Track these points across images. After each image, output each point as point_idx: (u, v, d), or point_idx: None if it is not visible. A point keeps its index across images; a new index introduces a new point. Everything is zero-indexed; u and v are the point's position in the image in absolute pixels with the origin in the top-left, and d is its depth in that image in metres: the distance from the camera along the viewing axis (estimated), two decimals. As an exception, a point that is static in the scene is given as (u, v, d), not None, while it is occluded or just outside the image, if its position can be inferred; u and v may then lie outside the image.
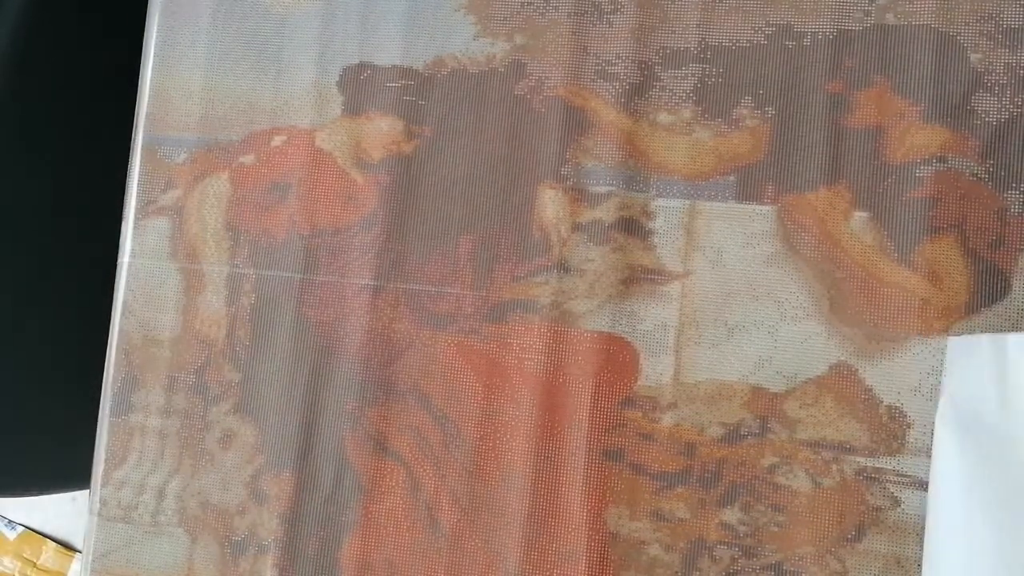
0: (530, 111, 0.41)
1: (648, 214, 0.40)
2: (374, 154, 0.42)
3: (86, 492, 0.46)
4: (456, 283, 0.41)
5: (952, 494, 0.34)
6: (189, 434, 0.43)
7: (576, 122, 0.41)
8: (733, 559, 0.38)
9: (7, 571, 1.24)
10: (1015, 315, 0.36)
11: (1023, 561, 0.32)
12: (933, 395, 0.37)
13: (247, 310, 0.43)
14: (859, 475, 0.37)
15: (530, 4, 0.41)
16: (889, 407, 0.37)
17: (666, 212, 0.40)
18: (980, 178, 0.37)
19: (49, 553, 1.25)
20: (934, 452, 0.35)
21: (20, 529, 1.26)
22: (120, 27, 0.61)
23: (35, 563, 1.24)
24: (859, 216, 0.38)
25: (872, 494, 0.37)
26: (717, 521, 0.38)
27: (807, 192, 0.38)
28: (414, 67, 0.42)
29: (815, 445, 0.38)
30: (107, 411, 0.44)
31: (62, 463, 0.67)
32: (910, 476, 0.37)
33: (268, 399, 0.43)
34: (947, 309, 0.37)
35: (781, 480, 0.38)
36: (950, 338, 0.35)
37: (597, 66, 0.41)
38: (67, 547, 1.25)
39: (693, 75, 0.40)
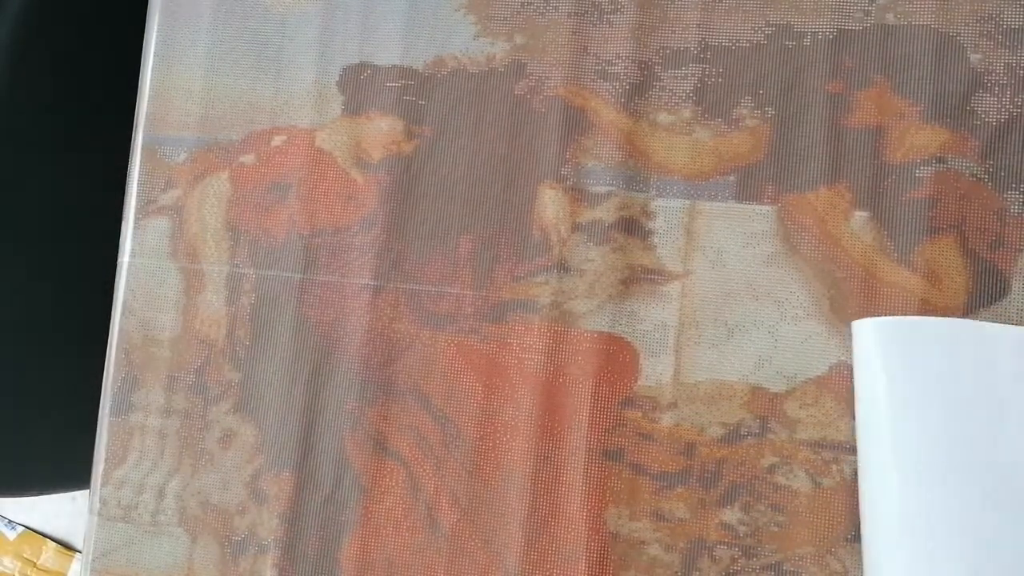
0: (530, 111, 0.41)
1: (648, 214, 0.40)
2: (374, 154, 0.42)
3: (86, 492, 0.46)
4: (456, 283, 0.41)
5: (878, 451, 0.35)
6: (189, 434, 0.43)
7: (576, 122, 0.41)
8: (733, 559, 0.38)
9: (7, 571, 1.24)
10: (1014, 315, 0.36)
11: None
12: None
13: (247, 310, 0.43)
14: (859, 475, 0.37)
15: (530, 4, 0.41)
16: (889, 407, 0.37)
17: (666, 212, 0.40)
18: (980, 178, 0.37)
19: (49, 553, 1.25)
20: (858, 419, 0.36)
21: (20, 529, 1.26)
22: (120, 26, 0.61)
23: (35, 563, 1.24)
24: (859, 216, 0.38)
25: (872, 494, 0.37)
26: (717, 521, 0.38)
27: (807, 192, 0.38)
28: (414, 67, 0.42)
29: (815, 445, 0.38)
30: (107, 411, 0.44)
31: (62, 463, 0.67)
32: (910, 476, 0.37)
33: (268, 399, 0.43)
34: (946, 309, 0.37)
35: (781, 480, 0.38)
36: (854, 322, 0.37)
37: (597, 66, 0.41)
38: (67, 547, 1.25)
39: (693, 75, 0.40)
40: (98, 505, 0.44)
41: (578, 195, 0.40)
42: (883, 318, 0.36)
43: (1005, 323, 0.36)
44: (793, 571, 0.38)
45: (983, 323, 0.35)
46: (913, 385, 0.35)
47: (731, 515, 0.38)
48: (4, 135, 0.58)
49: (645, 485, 0.39)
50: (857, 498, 0.37)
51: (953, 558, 0.34)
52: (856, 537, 0.37)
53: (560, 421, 0.40)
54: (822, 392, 0.38)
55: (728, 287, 0.39)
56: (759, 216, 0.39)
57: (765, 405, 0.38)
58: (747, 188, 0.39)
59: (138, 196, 0.45)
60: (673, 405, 0.39)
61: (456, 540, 0.41)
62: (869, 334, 0.36)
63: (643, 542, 0.39)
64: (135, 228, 0.45)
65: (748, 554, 0.38)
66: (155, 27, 0.45)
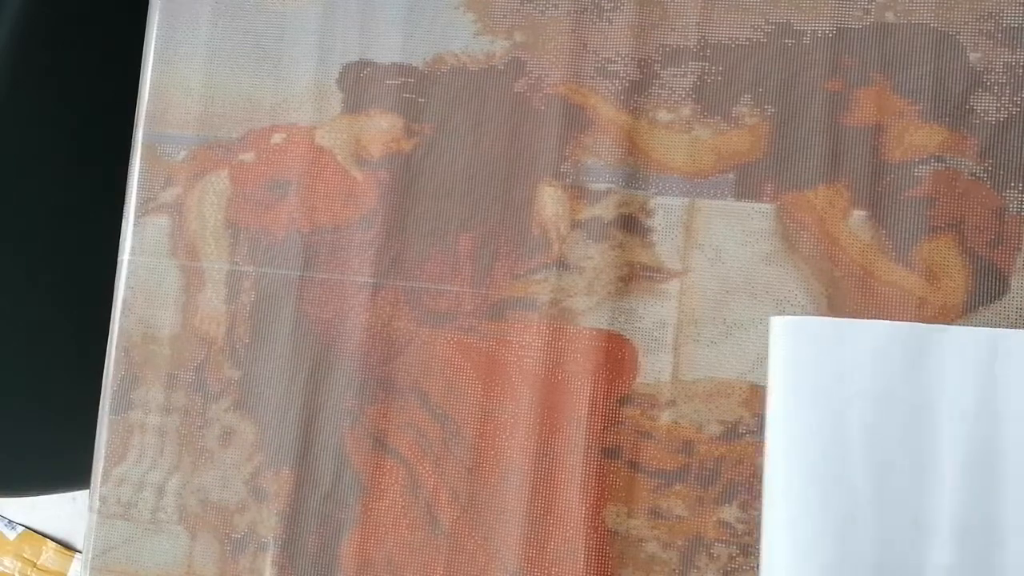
0: (530, 109, 0.41)
1: (647, 212, 0.40)
2: (374, 151, 0.42)
3: (86, 492, 0.46)
4: (455, 280, 0.41)
5: (783, 455, 0.36)
6: (189, 431, 0.43)
7: (576, 120, 0.41)
8: (731, 557, 0.38)
9: (7, 571, 1.24)
10: (1013, 314, 0.36)
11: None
12: (932, 393, 0.37)
13: (247, 308, 0.43)
14: (858, 473, 0.37)
15: (530, 2, 0.41)
16: (888, 405, 0.37)
17: (665, 210, 0.40)
18: (979, 177, 0.37)
19: (49, 553, 1.25)
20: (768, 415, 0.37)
21: (20, 529, 1.26)
22: (120, 25, 0.61)
23: (35, 563, 1.24)
24: (858, 215, 0.38)
25: (871, 492, 0.37)
26: (715, 519, 0.38)
27: (806, 190, 0.39)
28: (414, 64, 0.42)
29: (814, 443, 0.38)
30: (107, 408, 0.44)
31: (62, 463, 0.67)
32: (909, 474, 0.37)
33: (267, 397, 0.43)
34: (945, 308, 0.37)
35: (780, 478, 0.38)
36: (773, 317, 0.38)
37: (597, 64, 0.41)
38: (67, 547, 1.25)
39: (693, 73, 0.40)
40: (98, 503, 0.44)
41: (577, 192, 0.40)
42: (789, 317, 0.37)
43: (1004, 322, 0.36)
44: (792, 569, 0.38)
45: (885, 322, 0.36)
46: (808, 382, 0.36)
47: (729, 513, 0.38)
48: (4, 135, 0.58)
49: (643, 483, 0.39)
50: None
51: (829, 563, 0.34)
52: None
53: (559, 418, 0.40)
54: (821, 390, 0.38)
55: (727, 285, 0.39)
56: (758, 214, 0.39)
57: (763, 403, 0.38)
58: (746, 186, 0.39)
59: (138, 194, 0.45)
60: (672, 403, 0.39)
61: (455, 538, 0.41)
62: (777, 331, 0.37)
63: (641, 540, 0.39)
64: (135, 226, 0.45)
65: (746, 552, 0.38)
66: (155, 25, 0.45)
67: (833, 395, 0.36)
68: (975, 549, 0.34)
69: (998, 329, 0.35)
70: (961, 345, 0.35)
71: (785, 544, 0.35)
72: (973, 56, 0.37)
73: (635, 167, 0.40)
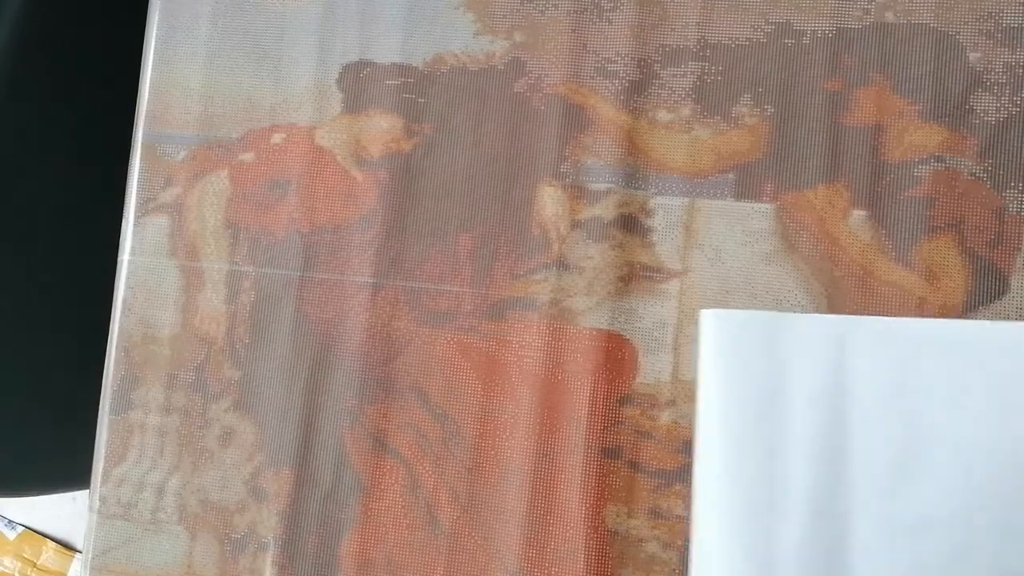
0: (529, 109, 0.41)
1: (647, 212, 0.40)
2: (374, 152, 0.42)
3: (86, 492, 0.46)
4: (455, 281, 0.41)
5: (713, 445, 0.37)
6: (189, 431, 0.43)
7: (575, 120, 0.41)
8: (731, 557, 0.38)
9: (7, 571, 1.24)
10: (1013, 314, 0.36)
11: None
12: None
13: (247, 308, 0.43)
14: (857, 473, 0.37)
15: (530, 1, 0.41)
16: (888, 405, 0.37)
17: (665, 210, 0.40)
18: (978, 177, 0.37)
19: (49, 553, 1.25)
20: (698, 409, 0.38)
21: (20, 529, 1.26)
22: (120, 24, 0.61)
23: (35, 563, 1.24)
24: (857, 215, 0.38)
25: (870, 492, 0.37)
26: (716, 519, 0.38)
27: (806, 190, 0.39)
28: (414, 64, 0.42)
29: (814, 443, 0.38)
30: (107, 408, 0.44)
31: (62, 463, 0.67)
32: (908, 474, 0.37)
33: (268, 397, 0.43)
34: (944, 308, 0.37)
35: (780, 478, 0.38)
36: (702, 311, 0.38)
37: (597, 64, 0.41)
38: (67, 547, 1.25)
39: (692, 73, 0.40)
40: (98, 503, 0.44)
41: (577, 192, 0.40)
42: (718, 310, 0.37)
43: (1004, 321, 0.36)
44: (792, 569, 0.38)
45: (806, 315, 0.37)
46: (737, 374, 0.36)
47: (730, 513, 0.38)
48: (4, 135, 0.58)
49: (643, 483, 0.39)
50: None
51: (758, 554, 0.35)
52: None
53: (559, 418, 0.40)
54: (821, 390, 0.38)
55: (727, 285, 0.39)
56: (758, 214, 0.39)
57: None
58: (746, 186, 0.39)
59: (138, 194, 0.45)
60: (672, 403, 0.39)
61: (455, 538, 0.41)
62: (707, 324, 0.37)
63: (641, 540, 0.39)
64: (135, 226, 0.45)
65: (747, 552, 0.38)
66: (155, 25, 0.45)
67: (763, 386, 0.36)
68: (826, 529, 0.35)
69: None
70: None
71: (716, 537, 0.36)
72: (973, 56, 0.37)
73: (635, 167, 0.40)
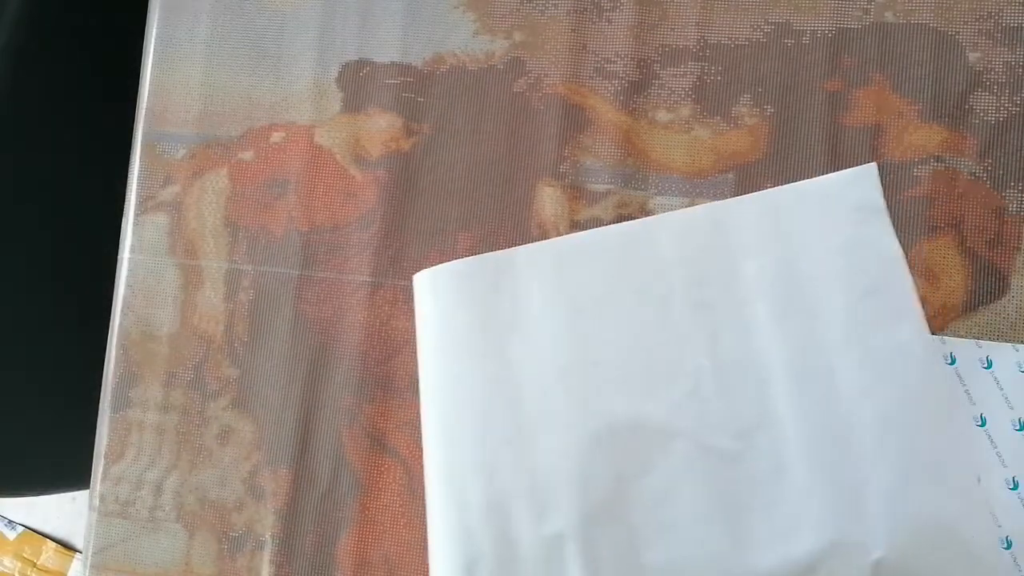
0: (529, 108, 0.41)
1: (646, 212, 0.40)
2: (373, 151, 0.42)
3: (86, 492, 0.45)
4: (454, 280, 0.41)
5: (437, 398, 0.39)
6: (187, 430, 0.43)
7: (575, 120, 0.41)
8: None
9: (7, 571, 1.24)
10: (1013, 313, 0.36)
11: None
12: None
13: (245, 306, 0.43)
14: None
15: (530, 1, 0.41)
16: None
17: (664, 210, 0.40)
18: (978, 177, 0.37)
19: (49, 553, 1.25)
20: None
21: (20, 529, 1.26)
22: (120, 23, 0.61)
23: (35, 563, 1.24)
24: (857, 214, 0.38)
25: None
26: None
27: (805, 190, 0.38)
28: (413, 64, 0.42)
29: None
30: (106, 406, 0.44)
31: (62, 463, 0.67)
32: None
33: (266, 395, 0.43)
34: (944, 307, 0.37)
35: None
36: (415, 275, 0.40)
37: (596, 64, 0.41)
38: (67, 547, 1.25)
39: (692, 73, 0.40)
40: (96, 501, 0.44)
41: (577, 193, 0.40)
42: (428, 269, 0.40)
43: (1004, 322, 0.36)
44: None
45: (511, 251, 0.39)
46: (458, 322, 0.39)
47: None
48: (4, 134, 0.58)
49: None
50: None
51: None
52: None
53: (557, 418, 0.40)
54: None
55: (726, 285, 0.39)
56: (757, 214, 0.39)
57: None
58: (746, 186, 0.39)
59: (138, 192, 0.45)
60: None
61: (453, 537, 0.41)
62: (423, 284, 0.39)
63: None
64: (135, 224, 0.45)
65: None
66: (155, 24, 0.45)
67: (487, 327, 0.38)
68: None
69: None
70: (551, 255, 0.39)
71: (445, 460, 0.38)
72: (972, 56, 0.37)
73: (634, 167, 0.40)
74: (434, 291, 0.38)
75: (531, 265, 0.38)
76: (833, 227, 0.35)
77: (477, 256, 0.39)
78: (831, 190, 0.36)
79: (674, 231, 0.37)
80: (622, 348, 0.36)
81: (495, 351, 0.37)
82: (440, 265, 0.39)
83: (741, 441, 0.34)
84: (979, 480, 0.34)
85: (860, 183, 0.35)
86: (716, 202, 0.34)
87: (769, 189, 0.34)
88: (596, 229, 0.37)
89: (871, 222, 0.35)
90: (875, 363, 0.34)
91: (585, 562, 0.35)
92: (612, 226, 0.37)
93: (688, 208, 0.36)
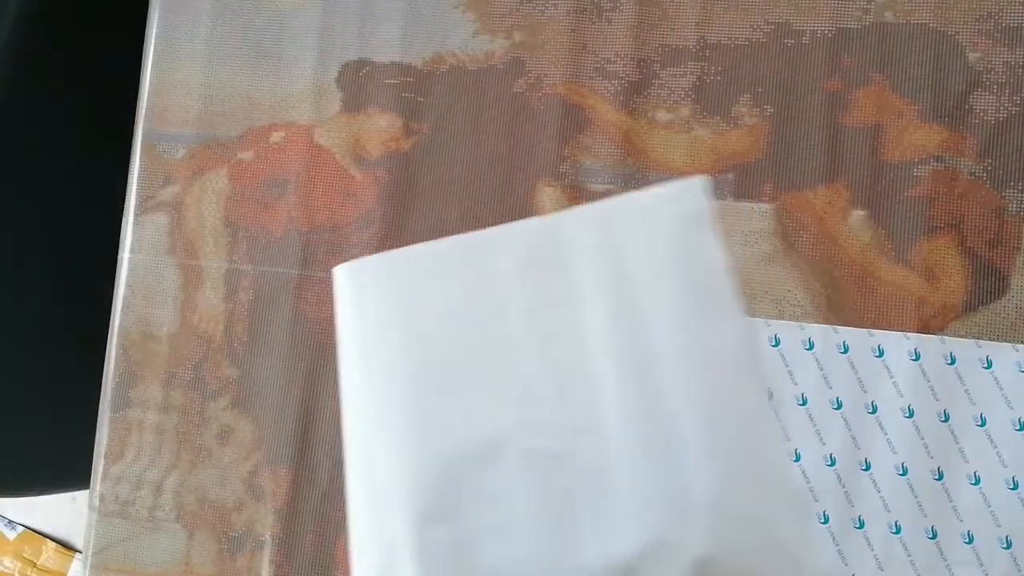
0: (529, 108, 0.41)
1: (646, 211, 0.40)
2: (373, 151, 0.42)
3: (86, 492, 0.45)
4: (454, 280, 0.41)
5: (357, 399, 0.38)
6: (187, 430, 0.43)
7: (575, 120, 0.41)
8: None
9: (7, 571, 1.24)
10: (1013, 313, 0.36)
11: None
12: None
13: (245, 306, 0.43)
14: (856, 473, 0.37)
15: (529, 1, 0.41)
16: (886, 405, 0.37)
17: (664, 210, 0.40)
18: (978, 177, 0.37)
19: (49, 553, 1.25)
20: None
21: (20, 529, 1.26)
22: (120, 23, 0.61)
23: (35, 563, 1.24)
24: (857, 214, 0.38)
25: (869, 492, 0.37)
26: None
27: (805, 190, 0.38)
28: (413, 64, 0.42)
29: (812, 443, 0.38)
30: (106, 406, 0.44)
31: (62, 463, 0.67)
32: (907, 474, 0.37)
33: (266, 395, 0.43)
34: (944, 307, 0.37)
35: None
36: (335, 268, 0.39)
37: (596, 64, 0.41)
38: (67, 547, 1.25)
39: (692, 73, 0.40)
40: (96, 501, 0.44)
41: (576, 193, 0.40)
42: (348, 263, 0.38)
43: (1004, 322, 0.36)
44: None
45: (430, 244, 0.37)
46: (378, 317, 0.37)
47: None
48: (4, 134, 0.58)
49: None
50: None
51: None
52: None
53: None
54: (820, 390, 0.38)
55: (726, 285, 0.39)
56: (757, 214, 0.39)
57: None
58: (745, 186, 0.39)
59: (137, 192, 0.45)
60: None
61: (453, 537, 0.41)
62: (341, 279, 0.38)
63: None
64: (134, 224, 0.45)
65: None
66: (155, 24, 0.45)
67: (407, 324, 0.37)
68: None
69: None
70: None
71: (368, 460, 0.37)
72: (972, 56, 0.37)
73: (634, 167, 0.40)
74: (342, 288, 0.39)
75: (377, 277, 0.38)
76: (660, 236, 0.36)
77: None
78: (660, 200, 0.36)
79: (513, 243, 0.37)
80: (459, 357, 0.36)
81: (357, 356, 0.38)
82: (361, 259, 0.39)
83: (569, 442, 0.35)
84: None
85: (688, 194, 0.36)
86: (554, 213, 0.35)
87: (604, 200, 0.35)
88: (436, 240, 0.37)
89: (696, 230, 0.36)
90: (697, 365, 0.35)
91: (418, 567, 0.35)
92: (453, 237, 0.37)
93: (527, 219, 0.36)
